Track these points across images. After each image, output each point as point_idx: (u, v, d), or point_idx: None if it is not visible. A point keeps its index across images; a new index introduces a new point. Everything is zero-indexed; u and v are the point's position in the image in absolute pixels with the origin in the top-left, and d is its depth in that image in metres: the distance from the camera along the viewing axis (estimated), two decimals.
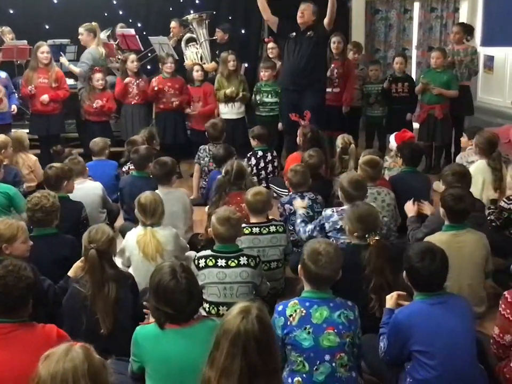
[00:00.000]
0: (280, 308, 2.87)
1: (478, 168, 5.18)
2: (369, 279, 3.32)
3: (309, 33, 6.66)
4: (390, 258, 3.35)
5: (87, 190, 5.12)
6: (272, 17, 6.83)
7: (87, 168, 5.38)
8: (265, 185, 6.10)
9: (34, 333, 2.57)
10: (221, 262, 3.54)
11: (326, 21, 6.53)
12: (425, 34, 10.45)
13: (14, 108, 7.20)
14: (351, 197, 4.14)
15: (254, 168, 6.36)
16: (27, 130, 7.44)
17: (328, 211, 4.24)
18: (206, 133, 6.46)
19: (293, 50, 6.74)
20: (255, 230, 4.11)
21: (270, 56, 7.81)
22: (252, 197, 4.12)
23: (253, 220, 4.19)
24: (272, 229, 4.14)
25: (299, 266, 2.95)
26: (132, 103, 7.36)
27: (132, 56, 7.33)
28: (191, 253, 4.25)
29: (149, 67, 8.85)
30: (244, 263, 3.56)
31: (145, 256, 3.87)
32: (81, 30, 7.62)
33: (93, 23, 7.65)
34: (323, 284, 2.88)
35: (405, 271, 3.01)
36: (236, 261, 3.54)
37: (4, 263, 2.64)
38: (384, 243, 3.52)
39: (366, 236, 3.45)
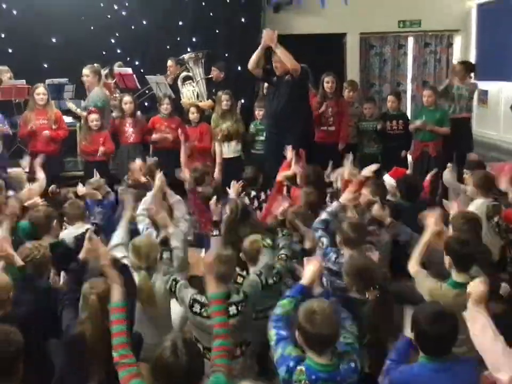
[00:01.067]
0: (291, 363, 2.79)
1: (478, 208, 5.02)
2: (363, 335, 3.28)
3: (286, 77, 6.78)
4: (391, 313, 3.30)
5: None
6: (257, 69, 6.95)
7: (86, 212, 5.39)
8: None
9: None
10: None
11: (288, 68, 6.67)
12: (420, 69, 10.61)
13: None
14: (350, 241, 4.12)
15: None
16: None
17: (328, 250, 4.21)
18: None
19: (273, 94, 6.93)
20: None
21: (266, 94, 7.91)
22: (249, 245, 4.02)
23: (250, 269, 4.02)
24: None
25: (296, 333, 2.83)
26: (128, 141, 7.45)
27: (126, 98, 7.43)
28: None
29: (146, 104, 8.94)
30: (233, 314, 3.56)
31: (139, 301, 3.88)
32: (86, 71, 7.74)
33: (96, 65, 7.77)
34: (325, 346, 2.77)
35: (413, 332, 2.92)
36: None
37: None
38: (385, 298, 3.44)
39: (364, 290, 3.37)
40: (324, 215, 4.40)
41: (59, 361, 3.37)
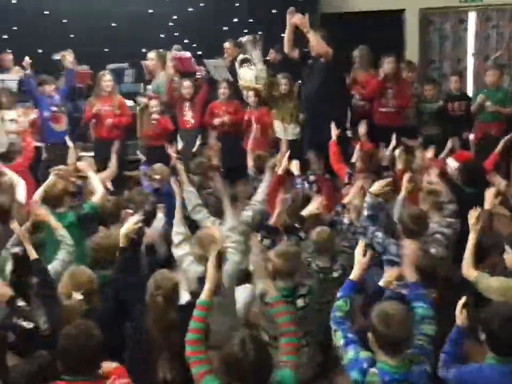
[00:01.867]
0: (364, 365, 2.79)
1: None
2: None
3: (321, 59, 6.83)
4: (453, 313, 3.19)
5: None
6: (292, 52, 7.05)
7: (149, 200, 5.52)
8: None
9: None
10: None
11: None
12: (481, 45, 10.29)
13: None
14: (410, 232, 4.12)
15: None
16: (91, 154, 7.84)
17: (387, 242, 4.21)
18: None
19: (307, 76, 7.01)
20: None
21: None
22: (317, 235, 4.00)
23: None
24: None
25: (369, 334, 2.83)
26: (187, 126, 7.55)
27: (186, 83, 7.53)
28: None
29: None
30: (301, 306, 3.64)
31: None
32: (152, 55, 7.87)
33: (161, 50, 7.97)
34: (398, 349, 2.77)
35: (483, 332, 2.91)
36: (294, 306, 3.63)
37: (75, 323, 2.82)
38: (449, 297, 3.39)
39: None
40: (365, 212, 4.38)
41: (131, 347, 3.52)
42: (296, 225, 4.43)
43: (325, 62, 6.78)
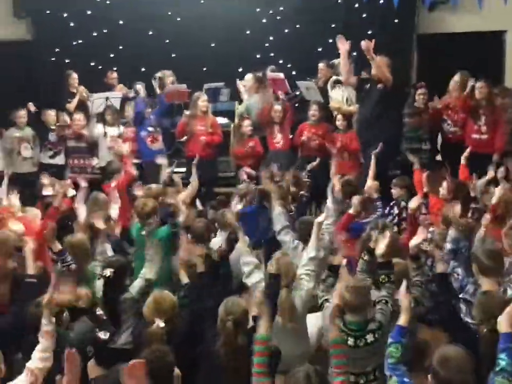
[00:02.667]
0: None
1: None
2: None
3: (379, 85, 6.98)
4: None
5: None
6: (351, 78, 7.30)
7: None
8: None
9: None
10: (350, 341, 3.65)
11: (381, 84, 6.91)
12: None
13: None
14: (486, 269, 4.04)
15: (396, 217, 6.33)
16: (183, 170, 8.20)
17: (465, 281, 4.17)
18: None
19: (363, 101, 7.16)
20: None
21: (419, 101, 7.79)
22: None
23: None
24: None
25: (429, 378, 2.83)
26: (277, 147, 7.75)
27: (276, 107, 7.74)
28: None
29: (297, 105, 9.17)
30: (371, 341, 3.69)
31: None
32: (249, 77, 8.18)
33: (258, 74, 8.28)
34: None
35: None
36: (363, 340, 3.68)
37: (152, 348, 3.05)
38: None
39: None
40: (448, 245, 4.34)
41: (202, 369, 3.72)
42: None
43: (382, 88, 6.95)
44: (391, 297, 3.91)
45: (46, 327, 3.21)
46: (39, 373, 3.08)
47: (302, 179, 6.64)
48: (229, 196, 7.15)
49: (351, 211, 5.43)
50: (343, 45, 7.07)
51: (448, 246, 4.47)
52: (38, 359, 3.13)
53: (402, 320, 3.24)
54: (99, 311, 3.89)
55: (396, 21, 9.71)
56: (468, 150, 6.60)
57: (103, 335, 3.76)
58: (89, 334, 3.85)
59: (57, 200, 5.53)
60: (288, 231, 5.10)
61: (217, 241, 5.45)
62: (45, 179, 6.38)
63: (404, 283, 3.42)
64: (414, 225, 5.32)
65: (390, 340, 3.19)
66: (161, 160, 6.92)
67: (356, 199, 5.55)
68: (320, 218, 4.54)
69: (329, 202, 5.21)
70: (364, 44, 6.87)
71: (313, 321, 4.49)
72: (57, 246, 4.62)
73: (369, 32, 9.72)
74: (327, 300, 3.93)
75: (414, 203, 5.46)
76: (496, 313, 3.33)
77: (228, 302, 3.63)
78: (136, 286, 4.40)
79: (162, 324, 3.66)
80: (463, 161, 6.46)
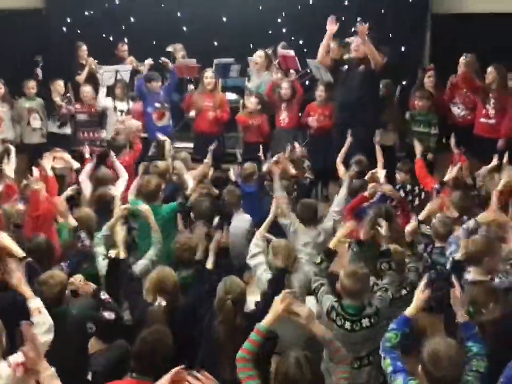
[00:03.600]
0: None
1: None
2: None
3: (360, 67, 7.02)
4: None
5: (237, 221, 5.52)
6: (326, 58, 7.34)
7: (240, 201, 5.75)
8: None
9: None
10: (347, 325, 3.73)
11: (372, 64, 6.95)
12: None
13: None
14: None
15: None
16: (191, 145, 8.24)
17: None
18: None
19: (342, 83, 7.14)
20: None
21: (428, 84, 7.74)
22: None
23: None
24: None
25: (419, 367, 2.87)
26: (282, 125, 7.76)
27: (284, 85, 7.72)
28: None
29: (307, 83, 9.13)
30: (366, 326, 3.75)
31: None
32: (260, 53, 8.11)
33: (270, 51, 8.24)
34: None
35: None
36: (359, 324, 3.73)
37: (152, 329, 3.11)
38: None
39: None
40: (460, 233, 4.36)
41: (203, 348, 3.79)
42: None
43: (363, 70, 7.00)
44: (393, 285, 3.97)
45: (32, 305, 3.31)
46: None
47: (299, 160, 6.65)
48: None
49: (366, 193, 5.38)
50: (331, 26, 7.12)
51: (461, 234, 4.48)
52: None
53: (410, 311, 3.28)
54: (104, 295, 3.94)
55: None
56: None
57: (108, 316, 3.82)
58: (91, 310, 3.93)
59: (48, 170, 5.61)
60: (288, 214, 5.17)
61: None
62: (56, 152, 6.40)
63: (425, 278, 3.42)
64: (405, 211, 5.40)
65: (392, 326, 3.24)
66: (163, 137, 6.94)
67: (372, 185, 5.48)
68: None
69: (342, 193, 5.26)
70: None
71: (312, 302, 4.55)
72: (73, 222, 4.66)
73: (383, 11, 9.65)
74: (322, 284, 3.97)
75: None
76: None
77: (227, 281, 3.70)
78: (140, 265, 4.46)
79: (164, 303, 3.73)
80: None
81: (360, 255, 4.39)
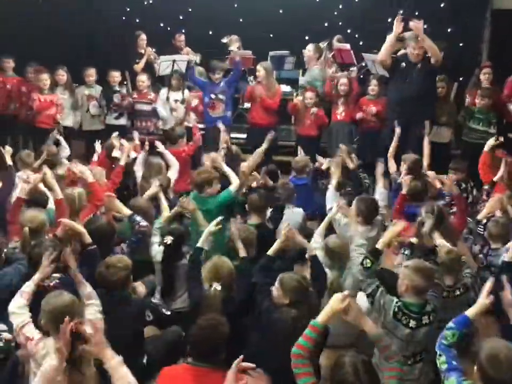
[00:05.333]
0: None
1: None
2: None
3: (419, 65, 6.91)
4: None
5: (289, 214, 5.56)
6: (388, 60, 7.11)
7: (295, 194, 5.79)
8: None
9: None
10: (412, 323, 3.70)
11: (432, 60, 6.83)
12: None
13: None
14: None
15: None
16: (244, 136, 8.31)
17: None
18: None
19: (402, 81, 6.97)
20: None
21: (484, 82, 7.62)
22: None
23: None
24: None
25: (475, 367, 2.83)
26: (338, 119, 7.77)
27: (342, 80, 7.69)
28: None
29: (361, 76, 9.08)
30: (425, 323, 3.75)
31: None
32: (310, 47, 8.15)
33: (321, 45, 8.15)
34: None
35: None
36: (419, 322, 3.72)
37: (208, 316, 3.21)
38: None
39: None
40: None
41: (252, 338, 3.85)
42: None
43: (422, 67, 6.91)
44: (441, 282, 3.97)
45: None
46: (99, 324, 3.32)
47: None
48: (286, 165, 7.26)
49: (403, 191, 5.37)
50: (398, 26, 6.94)
51: None
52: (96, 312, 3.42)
53: (472, 312, 3.21)
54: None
55: None
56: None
57: (165, 311, 3.97)
58: (149, 298, 4.05)
59: (123, 159, 5.73)
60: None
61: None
62: (115, 141, 6.55)
63: (489, 282, 3.31)
64: (463, 210, 5.32)
65: (451, 324, 3.19)
66: (221, 125, 7.03)
67: (407, 179, 5.46)
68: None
69: (379, 187, 5.26)
70: (413, 24, 6.78)
71: (363, 299, 4.57)
72: (127, 212, 4.79)
73: (442, 5, 9.51)
74: (378, 286, 3.96)
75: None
76: None
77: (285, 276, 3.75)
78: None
79: (219, 287, 3.80)
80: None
81: (411, 257, 4.37)
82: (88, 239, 4.09)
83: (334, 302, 3.00)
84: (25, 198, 4.89)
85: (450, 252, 4.25)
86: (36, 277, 3.57)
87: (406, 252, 4.50)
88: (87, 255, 4.05)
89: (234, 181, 5.49)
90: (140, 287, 4.28)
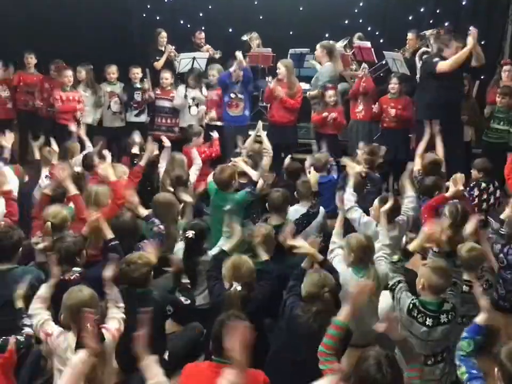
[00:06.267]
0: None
1: None
2: None
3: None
4: None
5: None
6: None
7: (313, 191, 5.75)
8: (485, 218, 6.00)
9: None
10: (428, 322, 3.70)
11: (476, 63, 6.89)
12: None
13: None
14: None
15: (476, 199, 6.24)
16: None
17: None
18: None
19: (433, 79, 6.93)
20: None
21: (505, 79, 7.55)
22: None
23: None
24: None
25: (496, 369, 2.79)
26: (358, 118, 7.75)
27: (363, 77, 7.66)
28: None
29: (382, 75, 9.04)
30: (443, 322, 3.74)
31: None
32: (317, 46, 8.12)
33: (331, 42, 8.09)
34: None
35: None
36: (437, 320, 3.71)
37: (229, 313, 3.24)
38: None
39: None
40: None
41: (276, 340, 3.85)
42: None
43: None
44: (460, 280, 3.97)
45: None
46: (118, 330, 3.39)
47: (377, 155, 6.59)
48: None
49: (448, 194, 5.20)
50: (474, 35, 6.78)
51: None
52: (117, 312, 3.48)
53: (481, 318, 3.23)
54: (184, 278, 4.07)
55: None
56: None
57: (184, 300, 3.96)
58: (170, 292, 4.06)
59: (144, 159, 5.77)
60: (356, 209, 5.18)
61: (296, 209, 5.51)
62: (137, 137, 6.58)
63: (477, 285, 3.43)
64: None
65: (464, 334, 3.22)
66: (215, 134, 7.14)
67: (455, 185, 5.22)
68: (385, 207, 4.76)
69: (408, 190, 5.24)
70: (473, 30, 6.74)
71: (385, 299, 4.56)
72: (143, 212, 4.82)
73: (463, 3, 9.43)
74: (400, 281, 3.96)
75: None
76: None
77: (321, 275, 3.71)
78: (213, 252, 4.57)
79: (239, 287, 3.81)
80: None
81: (438, 256, 4.35)
82: (109, 234, 4.12)
83: (352, 298, 3.06)
84: (51, 194, 4.94)
85: (473, 249, 4.22)
86: (50, 282, 3.60)
87: (435, 249, 4.45)
88: (109, 250, 4.08)
89: (257, 179, 5.51)
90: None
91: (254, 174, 5.59)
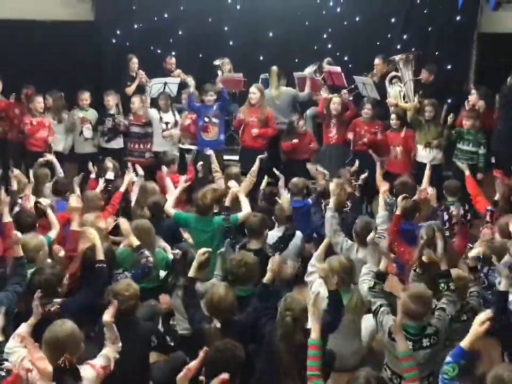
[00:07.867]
0: None
1: None
2: None
3: None
4: None
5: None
6: None
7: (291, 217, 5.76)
8: None
9: None
10: (410, 346, 3.70)
11: None
12: None
13: None
14: None
15: (447, 223, 6.28)
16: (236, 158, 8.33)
17: None
18: None
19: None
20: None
21: (470, 103, 7.77)
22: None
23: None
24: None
25: None
26: (331, 142, 7.84)
27: (335, 99, 7.79)
28: None
29: (351, 98, 9.15)
30: (426, 345, 3.76)
31: None
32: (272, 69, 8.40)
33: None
34: None
35: None
36: (419, 344, 3.76)
37: (225, 341, 3.24)
38: None
39: None
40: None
41: (259, 365, 3.83)
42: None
43: None
44: (451, 305, 3.98)
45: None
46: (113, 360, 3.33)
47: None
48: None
49: (397, 212, 5.39)
50: None
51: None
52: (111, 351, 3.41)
53: (466, 343, 3.18)
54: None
55: (458, 18, 9.55)
56: None
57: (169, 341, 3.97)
58: (154, 322, 4.02)
59: (123, 185, 5.74)
60: (339, 233, 5.24)
61: (273, 234, 5.52)
62: (110, 163, 6.54)
63: (484, 313, 3.27)
64: (464, 233, 5.37)
65: (449, 359, 3.20)
66: (209, 152, 7.04)
67: (400, 199, 5.44)
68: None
69: (381, 210, 5.31)
70: None
71: (368, 322, 4.57)
72: (135, 241, 4.79)
73: (430, 29, 9.66)
74: (381, 305, 3.98)
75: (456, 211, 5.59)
76: None
77: (287, 298, 3.73)
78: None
79: (218, 325, 3.79)
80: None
81: (421, 277, 4.39)
82: (101, 255, 4.10)
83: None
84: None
85: (461, 279, 4.26)
86: (30, 321, 3.55)
87: (417, 270, 4.49)
88: (96, 271, 4.07)
89: (246, 209, 5.52)
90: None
91: (245, 207, 5.57)
